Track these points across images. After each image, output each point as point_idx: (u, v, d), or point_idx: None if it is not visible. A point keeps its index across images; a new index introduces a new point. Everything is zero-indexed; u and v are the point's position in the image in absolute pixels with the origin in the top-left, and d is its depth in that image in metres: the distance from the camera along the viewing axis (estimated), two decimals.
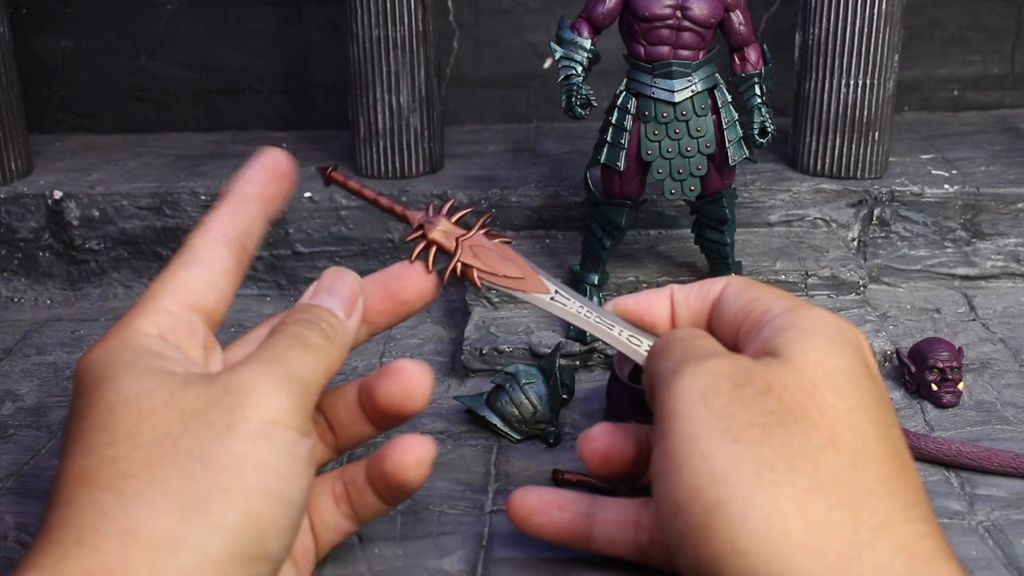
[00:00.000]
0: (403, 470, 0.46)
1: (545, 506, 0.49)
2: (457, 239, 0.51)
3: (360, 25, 0.91)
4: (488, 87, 1.15)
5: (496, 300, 0.81)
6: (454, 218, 0.51)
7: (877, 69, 0.89)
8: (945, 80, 1.15)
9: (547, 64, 1.14)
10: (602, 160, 0.73)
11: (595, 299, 0.77)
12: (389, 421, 0.49)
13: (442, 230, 0.50)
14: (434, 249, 0.50)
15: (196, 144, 1.10)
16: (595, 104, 0.71)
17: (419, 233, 0.51)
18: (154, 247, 0.92)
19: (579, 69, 0.71)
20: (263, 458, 0.38)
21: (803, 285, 0.81)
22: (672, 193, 0.73)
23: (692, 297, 0.49)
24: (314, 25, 1.13)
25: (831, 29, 0.89)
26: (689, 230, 0.80)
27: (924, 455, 0.62)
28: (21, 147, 0.97)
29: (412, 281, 0.49)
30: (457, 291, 0.89)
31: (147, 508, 0.35)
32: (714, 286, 0.48)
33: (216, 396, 0.39)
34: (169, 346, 0.42)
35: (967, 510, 0.58)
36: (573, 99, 0.70)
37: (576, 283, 0.79)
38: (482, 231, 0.51)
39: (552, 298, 0.51)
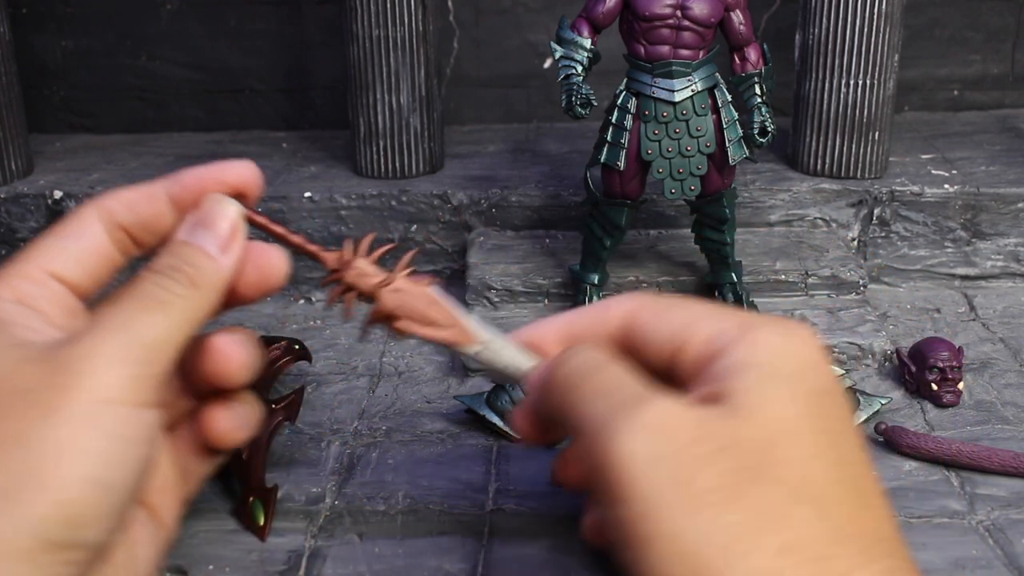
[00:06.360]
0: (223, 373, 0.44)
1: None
2: (377, 284, 0.46)
3: (360, 25, 0.91)
4: (488, 87, 1.15)
5: (496, 300, 0.81)
6: (373, 258, 0.46)
7: (877, 69, 0.89)
8: (945, 80, 1.15)
9: (547, 64, 1.14)
10: (602, 159, 0.73)
11: (595, 299, 0.77)
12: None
13: (359, 273, 0.46)
14: (353, 294, 0.46)
15: (196, 144, 1.10)
16: (595, 104, 0.71)
17: (335, 277, 0.46)
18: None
19: (579, 69, 0.71)
20: (87, 444, 0.36)
21: (803, 285, 0.81)
22: (672, 193, 0.73)
23: (587, 323, 0.45)
24: (314, 25, 1.13)
25: (831, 29, 0.89)
26: (689, 230, 0.80)
27: (924, 455, 0.62)
28: (21, 147, 0.97)
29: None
30: (457, 291, 0.89)
31: None
32: (613, 308, 0.44)
33: (47, 374, 0.37)
34: (27, 312, 0.40)
35: (967, 510, 0.58)
36: (573, 99, 0.70)
37: (576, 283, 0.79)
38: (405, 273, 0.46)
39: (480, 352, 0.46)
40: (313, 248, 0.46)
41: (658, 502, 0.35)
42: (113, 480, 0.37)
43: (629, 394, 0.38)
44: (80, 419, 0.36)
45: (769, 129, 0.72)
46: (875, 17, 0.88)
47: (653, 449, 0.36)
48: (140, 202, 0.44)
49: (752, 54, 0.73)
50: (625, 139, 0.72)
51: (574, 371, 0.41)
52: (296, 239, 0.46)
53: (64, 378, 0.37)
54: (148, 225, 0.44)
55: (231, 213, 0.43)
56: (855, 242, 0.90)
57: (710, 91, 0.72)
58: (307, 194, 0.90)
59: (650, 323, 0.43)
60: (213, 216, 0.43)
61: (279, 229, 0.45)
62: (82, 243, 0.42)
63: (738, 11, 0.72)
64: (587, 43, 0.72)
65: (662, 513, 0.35)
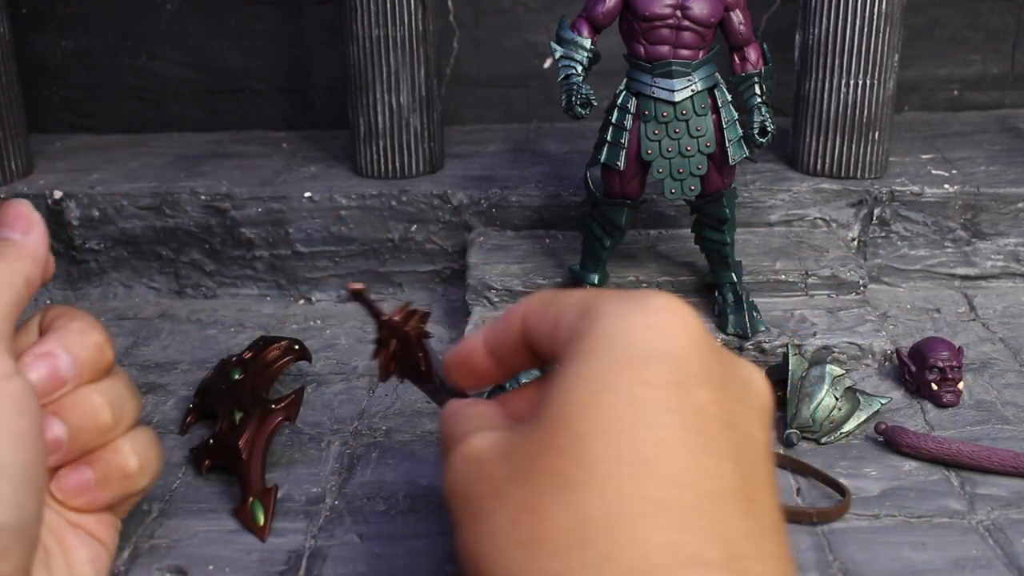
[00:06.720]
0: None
1: None
2: (390, 332, 0.50)
3: (360, 25, 0.91)
4: (488, 87, 1.15)
5: (496, 300, 0.81)
6: (401, 311, 0.50)
7: (877, 69, 0.89)
8: (945, 80, 1.15)
9: (547, 64, 1.14)
10: (602, 159, 0.73)
11: None
12: None
13: (385, 323, 0.50)
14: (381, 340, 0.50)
15: (196, 144, 1.10)
16: (595, 104, 0.71)
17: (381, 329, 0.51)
18: (154, 247, 0.92)
19: (579, 69, 0.71)
20: None
21: (803, 285, 0.81)
22: (672, 193, 0.73)
23: (500, 332, 0.45)
24: (314, 25, 1.13)
25: (831, 29, 0.89)
26: (689, 230, 0.80)
27: (924, 455, 0.62)
28: (21, 147, 0.97)
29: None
30: (457, 291, 0.89)
31: None
32: (515, 313, 0.44)
33: None
34: None
35: (967, 510, 0.58)
36: (573, 98, 0.70)
37: (576, 283, 0.79)
38: (401, 320, 0.50)
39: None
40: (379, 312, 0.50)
41: (458, 524, 0.38)
42: None
43: (453, 439, 0.41)
44: None
45: (769, 129, 0.72)
46: (875, 17, 0.88)
47: (456, 478, 0.39)
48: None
49: (752, 54, 0.73)
50: (625, 139, 0.72)
51: (456, 459, 0.42)
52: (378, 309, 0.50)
53: None
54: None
55: (16, 205, 0.47)
56: (855, 242, 0.90)
57: (710, 91, 0.72)
58: (307, 194, 0.90)
59: (535, 325, 0.43)
60: (4, 213, 0.47)
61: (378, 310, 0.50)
62: None
63: (738, 11, 0.72)
64: (587, 43, 0.72)
65: (459, 533, 0.38)
